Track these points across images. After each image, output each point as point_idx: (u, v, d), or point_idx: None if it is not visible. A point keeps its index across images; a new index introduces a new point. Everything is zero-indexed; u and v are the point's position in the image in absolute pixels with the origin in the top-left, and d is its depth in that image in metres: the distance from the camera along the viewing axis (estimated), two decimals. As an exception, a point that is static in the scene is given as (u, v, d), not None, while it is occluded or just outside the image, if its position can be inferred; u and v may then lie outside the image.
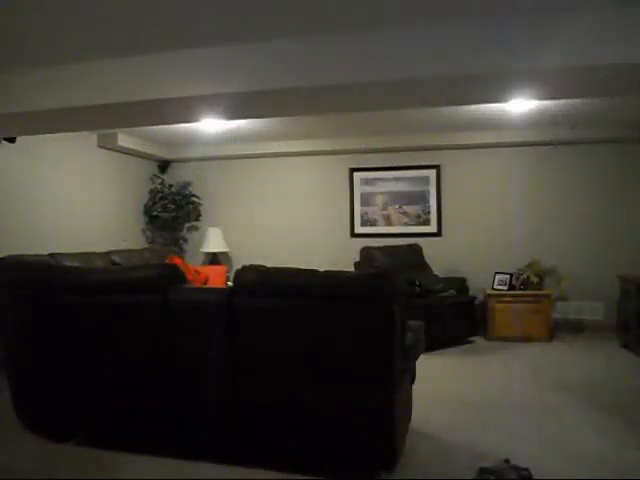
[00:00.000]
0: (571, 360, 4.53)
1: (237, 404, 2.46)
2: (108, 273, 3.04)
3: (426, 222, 6.25)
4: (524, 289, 5.37)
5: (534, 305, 5.29)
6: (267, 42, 2.96)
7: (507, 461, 2.28)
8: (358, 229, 6.44)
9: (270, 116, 4.55)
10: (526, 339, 5.15)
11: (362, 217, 6.44)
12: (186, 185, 6.69)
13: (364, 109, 4.07)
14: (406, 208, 6.32)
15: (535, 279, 5.35)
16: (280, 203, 6.63)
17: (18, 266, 2.90)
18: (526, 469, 2.21)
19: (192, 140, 6.10)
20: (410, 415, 2.85)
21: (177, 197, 6.56)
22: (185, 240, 6.80)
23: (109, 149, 5.81)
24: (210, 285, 5.20)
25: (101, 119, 3.97)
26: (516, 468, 2.22)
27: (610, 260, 5.59)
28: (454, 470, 2.44)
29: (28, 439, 2.76)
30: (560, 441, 2.78)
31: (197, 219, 6.77)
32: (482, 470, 2.21)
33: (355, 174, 6.40)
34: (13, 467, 2.52)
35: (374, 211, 6.41)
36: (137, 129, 5.41)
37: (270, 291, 2.45)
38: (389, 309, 2.24)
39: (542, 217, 5.86)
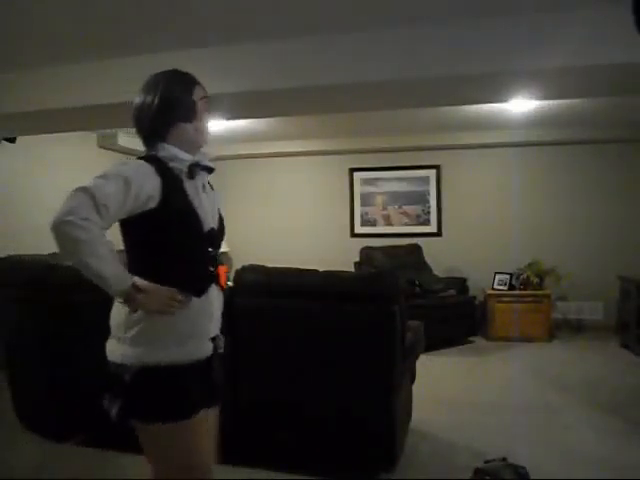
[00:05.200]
0: (571, 360, 4.53)
1: (237, 404, 2.46)
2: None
3: (426, 222, 6.26)
4: (524, 289, 5.37)
5: (534, 305, 5.29)
6: (267, 42, 2.96)
7: (504, 459, 2.28)
8: (358, 229, 6.44)
9: (270, 116, 4.55)
10: (526, 339, 5.15)
11: (362, 217, 6.44)
12: (186, 185, 6.68)
13: (364, 109, 4.07)
14: (406, 208, 6.32)
15: (535, 279, 5.35)
16: (280, 203, 6.63)
17: (18, 266, 2.90)
18: (523, 467, 2.21)
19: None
20: (410, 415, 2.85)
21: (177, 197, 6.56)
22: (185, 240, 6.80)
23: (109, 149, 5.81)
24: (210, 285, 5.19)
25: (101, 119, 3.97)
26: (513, 467, 2.22)
27: (610, 260, 5.59)
28: (454, 470, 2.44)
29: (28, 439, 2.76)
30: (559, 441, 2.78)
31: (197, 219, 6.77)
32: (478, 470, 2.21)
33: (355, 174, 6.41)
34: (13, 467, 2.53)
35: (374, 211, 6.41)
36: (137, 129, 5.40)
37: (270, 291, 2.45)
38: (389, 309, 2.24)
39: (542, 217, 5.86)
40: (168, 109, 1.44)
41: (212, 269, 1.44)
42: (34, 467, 2.53)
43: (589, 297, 5.68)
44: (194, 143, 1.47)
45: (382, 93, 3.24)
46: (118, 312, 1.41)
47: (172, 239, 1.36)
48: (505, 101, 3.65)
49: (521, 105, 4.41)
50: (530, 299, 5.31)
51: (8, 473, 2.47)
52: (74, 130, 4.81)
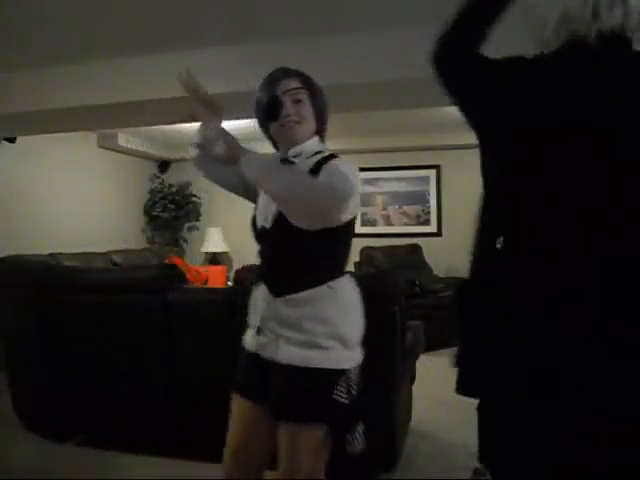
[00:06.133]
0: (571, 360, 4.53)
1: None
2: (108, 273, 3.04)
3: (426, 222, 6.26)
4: (524, 289, 5.36)
5: (534, 305, 5.27)
6: (267, 42, 2.96)
7: None
8: (358, 229, 6.40)
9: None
10: (526, 339, 5.13)
11: (362, 217, 6.44)
12: (186, 185, 6.68)
13: (365, 109, 4.07)
14: (406, 208, 6.32)
15: (535, 279, 5.35)
16: (280, 203, 6.63)
17: (18, 266, 2.91)
18: None
19: (192, 140, 6.09)
20: (410, 415, 2.86)
21: (177, 197, 6.56)
22: (185, 240, 6.81)
23: (109, 149, 5.81)
24: (210, 285, 5.20)
25: (101, 119, 3.98)
26: None
27: (610, 260, 5.58)
28: (454, 470, 2.44)
29: (28, 439, 2.76)
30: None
31: (197, 219, 6.77)
32: (477, 470, 2.21)
33: (355, 174, 6.40)
34: (13, 467, 2.52)
35: (374, 211, 6.41)
36: (137, 129, 5.41)
37: (270, 291, 2.44)
38: (389, 309, 2.24)
39: (542, 217, 5.86)
40: (257, 112, 1.45)
41: (262, 267, 1.45)
42: (34, 467, 2.53)
43: (589, 297, 5.68)
44: (282, 140, 1.43)
45: (382, 93, 3.24)
46: None
47: None
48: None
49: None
50: (530, 299, 5.30)
51: (8, 473, 2.47)
52: (74, 130, 4.81)
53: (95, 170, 5.68)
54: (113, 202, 5.94)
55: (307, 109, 1.41)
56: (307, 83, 1.42)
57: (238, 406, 1.45)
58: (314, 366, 1.30)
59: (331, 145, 5.95)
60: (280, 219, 1.33)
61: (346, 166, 1.38)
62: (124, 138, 5.71)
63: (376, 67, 2.89)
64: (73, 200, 5.29)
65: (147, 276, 2.67)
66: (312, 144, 1.44)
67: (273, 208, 1.37)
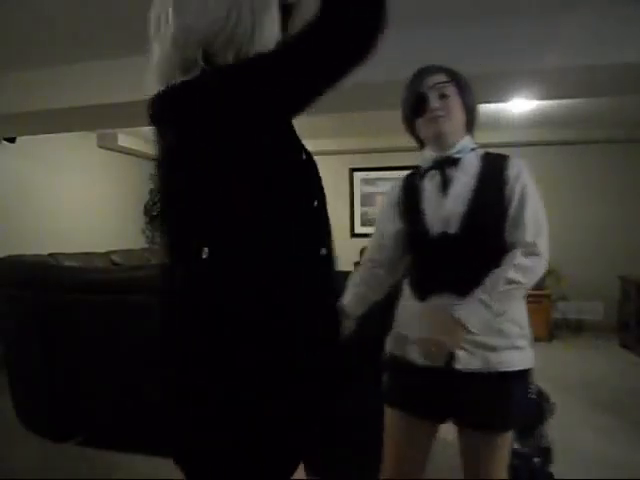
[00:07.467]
0: (571, 360, 4.53)
1: (237, 404, 2.46)
2: (108, 273, 3.04)
3: (426, 222, 6.26)
4: (524, 289, 5.36)
5: (534, 305, 5.27)
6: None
7: None
8: (358, 229, 6.44)
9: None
10: (526, 339, 5.14)
11: (362, 217, 6.44)
12: (186, 185, 6.68)
13: (365, 109, 4.07)
14: (406, 208, 6.32)
15: (535, 279, 5.35)
16: (280, 203, 6.63)
17: (18, 266, 2.90)
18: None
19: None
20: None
21: (177, 197, 6.56)
22: (185, 240, 6.80)
23: (109, 149, 5.81)
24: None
25: (101, 119, 3.97)
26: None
27: (610, 260, 5.59)
28: (453, 470, 2.44)
29: (28, 439, 2.76)
30: (559, 440, 2.77)
31: (197, 219, 6.76)
32: None
33: (355, 174, 6.41)
34: (13, 467, 2.52)
35: (374, 211, 6.41)
36: (137, 129, 5.41)
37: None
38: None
39: (542, 217, 5.86)
40: (402, 110, 1.44)
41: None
42: (34, 467, 2.53)
43: (589, 297, 5.68)
44: (428, 135, 1.37)
45: (382, 93, 3.24)
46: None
47: None
48: (505, 101, 3.65)
49: (521, 105, 4.41)
50: (530, 299, 5.22)
51: (8, 473, 2.47)
52: (74, 130, 4.81)
53: (95, 170, 5.68)
54: (113, 202, 5.94)
55: (454, 103, 1.35)
56: (454, 77, 1.37)
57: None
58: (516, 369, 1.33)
59: (331, 145, 6.00)
60: (465, 221, 1.32)
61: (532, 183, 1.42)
62: (124, 138, 5.71)
63: (376, 67, 2.88)
64: (73, 200, 5.29)
65: (147, 276, 2.66)
66: (467, 142, 1.37)
67: (458, 211, 1.31)
